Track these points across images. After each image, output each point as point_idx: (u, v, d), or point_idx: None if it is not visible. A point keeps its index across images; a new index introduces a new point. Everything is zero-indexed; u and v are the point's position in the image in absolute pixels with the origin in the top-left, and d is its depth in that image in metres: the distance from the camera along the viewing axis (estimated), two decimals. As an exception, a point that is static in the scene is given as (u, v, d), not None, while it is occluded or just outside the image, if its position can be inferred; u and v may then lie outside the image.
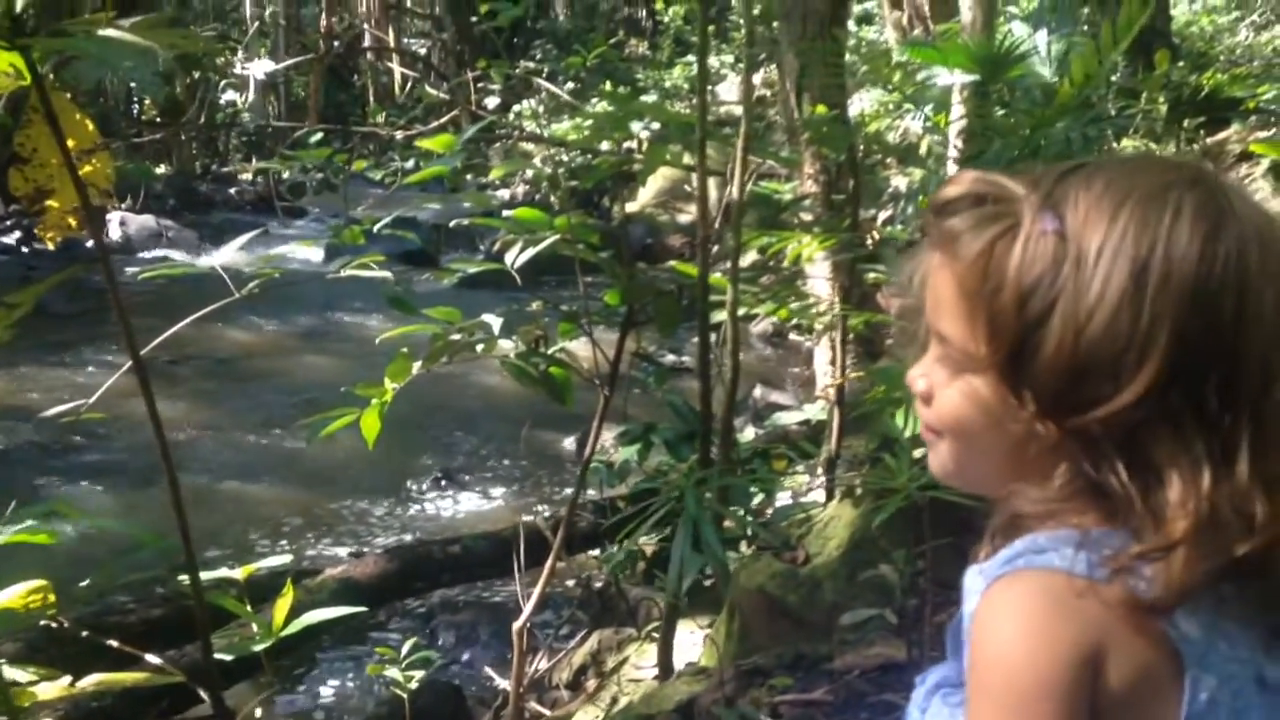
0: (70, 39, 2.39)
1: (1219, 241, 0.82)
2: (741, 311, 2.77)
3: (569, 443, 6.36)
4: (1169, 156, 0.97)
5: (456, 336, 2.92)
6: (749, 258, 4.02)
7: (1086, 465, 0.82)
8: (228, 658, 2.63)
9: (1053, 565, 0.82)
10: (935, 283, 0.89)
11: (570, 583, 4.44)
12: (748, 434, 4.77)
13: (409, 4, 22.56)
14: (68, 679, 2.40)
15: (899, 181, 6.77)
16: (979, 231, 0.86)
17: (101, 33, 2.38)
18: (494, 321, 2.98)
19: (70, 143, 2.45)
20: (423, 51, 21.43)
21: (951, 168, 3.73)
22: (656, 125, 3.39)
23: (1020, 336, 0.83)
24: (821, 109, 3.69)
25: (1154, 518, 0.80)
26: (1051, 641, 0.81)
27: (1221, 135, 8.03)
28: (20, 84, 2.41)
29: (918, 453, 2.12)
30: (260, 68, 14.76)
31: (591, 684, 3.33)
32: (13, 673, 2.38)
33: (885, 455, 2.24)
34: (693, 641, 3.09)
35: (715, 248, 3.14)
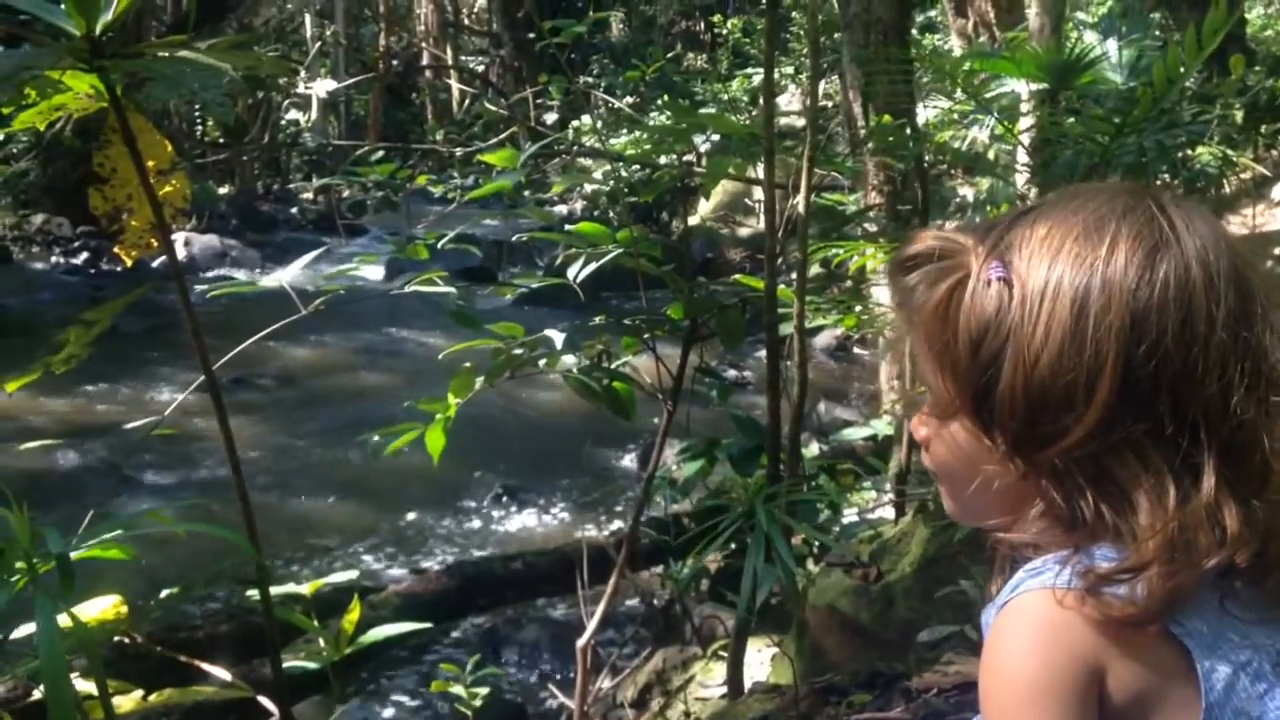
0: (147, 61, 2.42)
1: (1157, 266, 0.84)
2: (808, 323, 2.73)
3: (629, 459, 6.34)
4: (1113, 185, 0.96)
5: (519, 351, 2.91)
6: (813, 270, 3.97)
7: (1057, 497, 0.86)
8: (296, 673, 2.64)
9: (1048, 585, 0.85)
10: (911, 337, 0.94)
11: (634, 601, 4.40)
12: (812, 450, 4.71)
13: (466, 22, 22.82)
14: (139, 693, 2.42)
15: (966, 192, 6.68)
16: (934, 286, 0.90)
17: (178, 54, 2.42)
18: (556, 336, 2.96)
19: (149, 163, 2.48)
20: (480, 69, 21.64)
21: (1020, 178, 3.66)
22: (716, 138, 3.37)
23: (978, 381, 0.87)
24: (887, 119, 3.64)
25: (1129, 537, 0.83)
26: (1048, 655, 0.83)
27: (1300, 141, 7.80)
28: (100, 105, 2.45)
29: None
30: (323, 87, 15.01)
31: (656, 703, 3.29)
32: (84, 685, 2.41)
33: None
34: (759, 660, 3.04)
35: (780, 259, 3.11)
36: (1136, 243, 0.85)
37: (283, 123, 17.34)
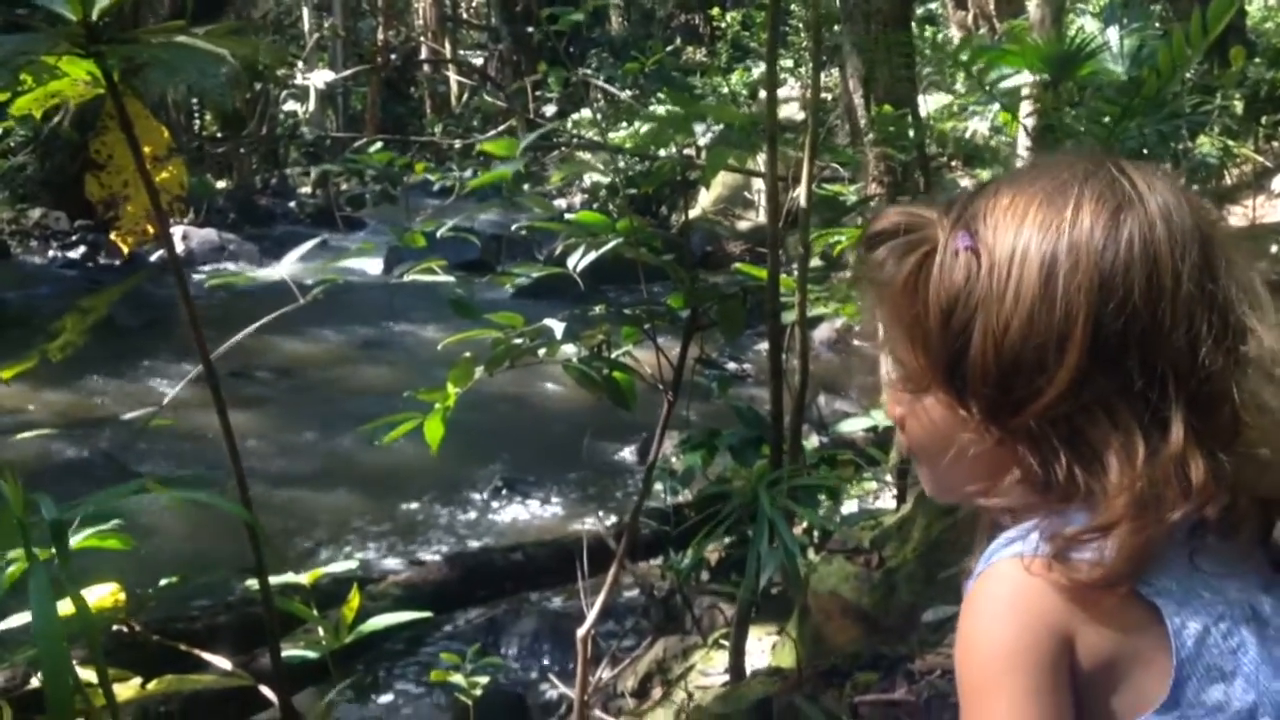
0: (144, 46, 2.41)
1: (1121, 226, 0.85)
2: (809, 312, 2.72)
3: (629, 452, 6.33)
4: (1072, 152, 0.97)
5: (519, 341, 2.90)
6: (814, 261, 3.96)
7: (1033, 461, 0.86)
8: (296, 662, 2.63)
9: (1016, 552, 0.86)
10: (879, 314, 0.94)
11: (634, 591, 4.40)
12: (812, 442, 4.70)
13: (465, 16, 22.79)
14: (138, 680, 2.41)
15: (966, 183, 6.67)
16: (902, 260, 0.90)
17: (176, 40, 2.40)
18: (556, 326, 2.95)
19: (146, 150, 2.47)
20: (479, 62, 21.61)
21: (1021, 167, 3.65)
22: (716, 130, 3.35)
23: (950, 351, 0.88)
24: (888, 109, 3.63)
25: (1100, 497, 0.84)
26: (1016, 621, 0.84)
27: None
28: (97, 92, 2.44)
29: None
30: (320, 78, 14.98)
31: (657, 692, 3.29)
32: (83, 673, 2.40)
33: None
34: (760, 649, 3.03)
35: (781, 251, 3.09)
36: (1100, 204, 0.87)
37: (280, 115, 17.31)
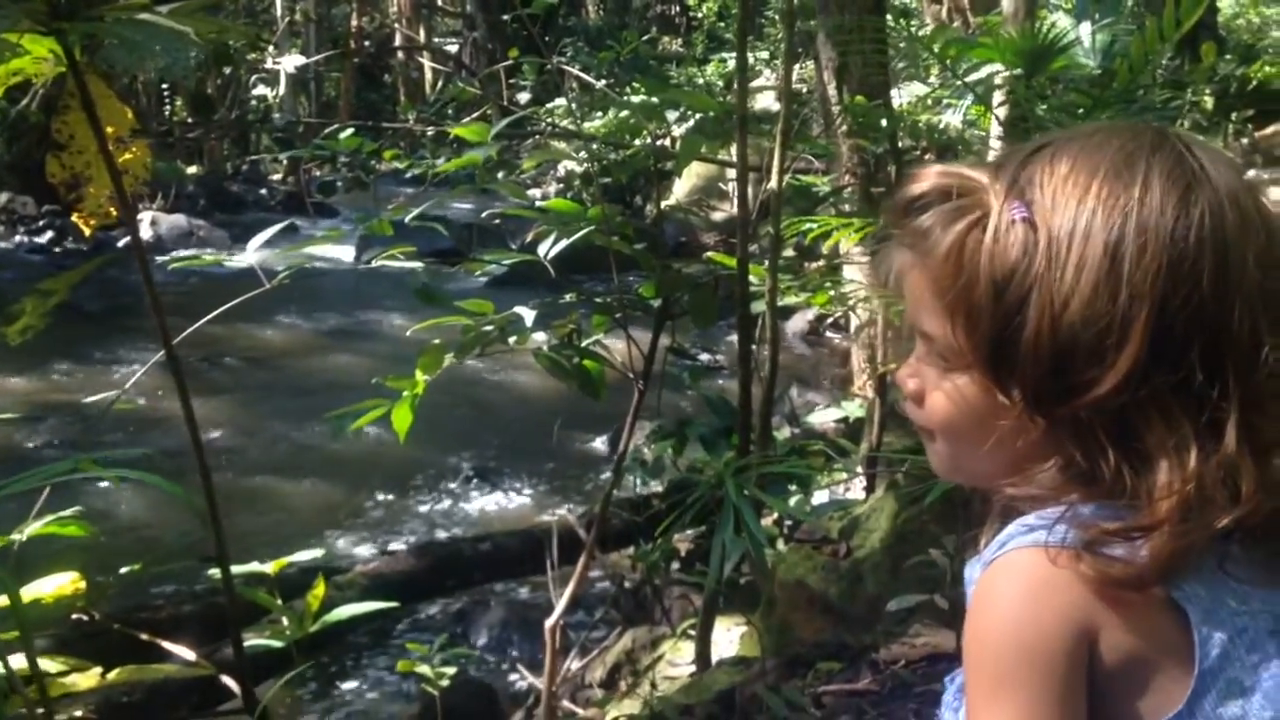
0: (106, 23, 2.36)
1: (1192, 207, 0.79)
2: (780, 301, 2.70)
3: (601, 442, 6.31)
4: (1132, 123, 0.92)
5: (488, 328, 2.87)
6: (787, 252, 3.95)
7: (1077, 453, 0.81)
8: (259, 651, 2.59)
9: (1040, 542, 0.81)
10: (911, 282, 0.87)
11: (606, 583, 4.38)
12: (784, 434, 4.70)
13: (440, 3, 22.63)
14: (98, 670, 2.38)
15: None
16: (948, 226, 0.83)
17: (138, 17, 2.35)
18: (526, 314, 2.92)
19: (109, 129, 2.42)
20: (454, 50, 21.47)
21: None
22: (691, 122, 3.33)
23: (999, 329, 0.81)
24: (861, 99, 3.63)
25: (1144, 496, 0.79)
26: (1037, 614, 0.79)
27: (1271, 129, 7.88)
28: (60, 70, 2.38)
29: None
30: (290, 62, 14.83)
31: (625, 683, 3.28)
32: (43, 664, 2.36)
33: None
34: (729, 640, 3.03)
35: (753, 244, 3.08)
36: (1170, 182, 0.80)
37: (251, 100, 17.13)
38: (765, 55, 14.41)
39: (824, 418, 4.48)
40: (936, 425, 0.90)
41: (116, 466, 2.22)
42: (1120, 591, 0.79)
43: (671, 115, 3.43)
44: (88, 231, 2.58)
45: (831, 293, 3.13)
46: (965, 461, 0.90)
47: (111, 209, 2.54)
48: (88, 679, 2.34)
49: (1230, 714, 0.80)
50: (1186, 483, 0.78)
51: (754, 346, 3.09)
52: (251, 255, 2.75)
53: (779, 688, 2.08)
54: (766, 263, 2.87)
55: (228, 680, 2.53)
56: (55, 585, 2.42)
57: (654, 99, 3.13)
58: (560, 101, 9.68)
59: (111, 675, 2.41)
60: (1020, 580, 0.81)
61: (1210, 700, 0.80)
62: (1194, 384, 0.79)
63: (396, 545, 5.02)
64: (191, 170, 15.80)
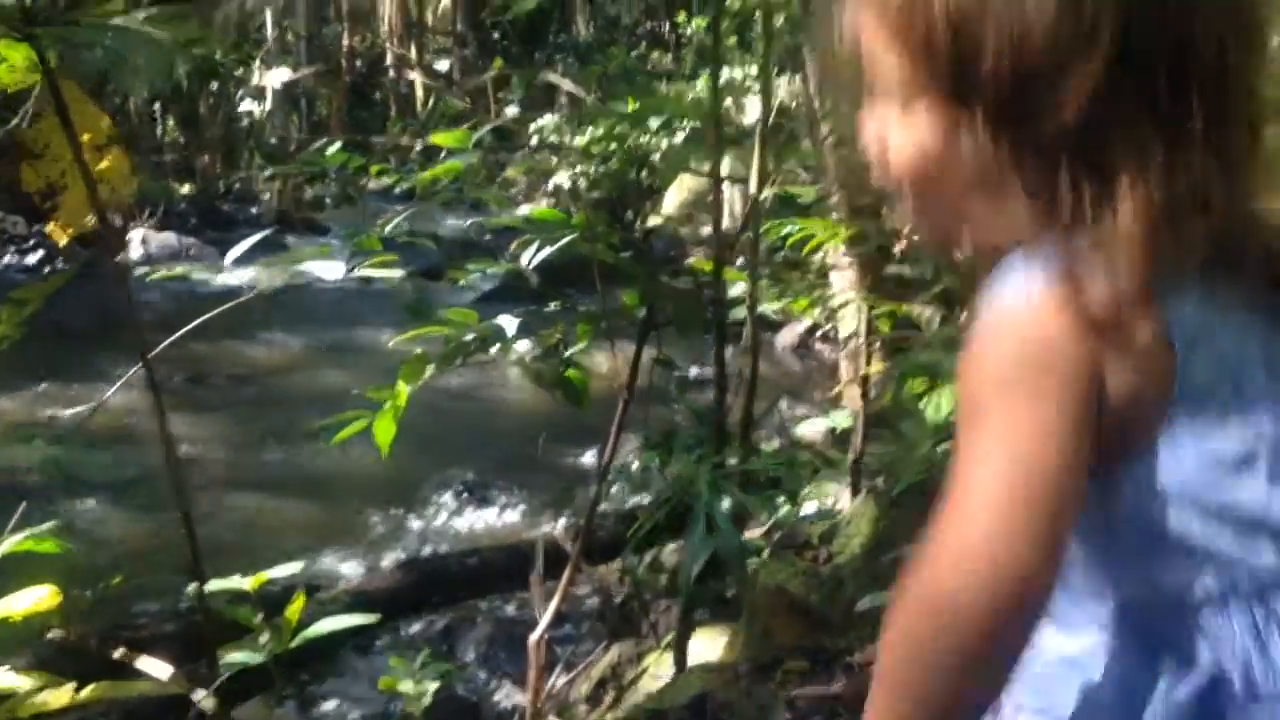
0: (82, 29, 2.35)
1: None
2: (763, 308, 2.69)
3: (588, 457, 6.27)
4: None
5: (470, 337, 2.85)
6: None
7: (1041, 177, 0.80)
8: (237, 668, 2.56)
9: (1033, 273, 0.79)
10: (865, 32, 0.85)
11: (594, 599, 4.34)
12: (773, 445, 4.67)
13: (430, 21, 22.70)
14: (71, 686, 2.33)
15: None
16: None
17: (113, 23, 2.34)
18: (510, 324, 2.91)
19: (85, 137, 2.39)
20: (444, 68, 21.53)
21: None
22: (679, 140, 3.33)
23: (959, 43, 0.80)
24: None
25: (1111, 217, 0.78)
26: (1042, 331, 0.78)
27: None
28: (36, 78, 2.36)
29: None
30: (277, 76, 14.85)
31: (609, 698, 3.24)
32: (15, 680, 2.32)
33: (903, 426, 2.15)
34: (713, 650, 2.99)
35: (740, 257, 3.06)
36: None
37: (239, 116, 17.13)
38: (754, 70, 14.44)
39: (812, 428, 4.45)
40: (903, 170, 0.87)
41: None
42: (1116, 323, 0.78)
43: (659, 127, 3.42)
44: (63, 241, 2.56)
45: (814, 297, 3.11)
46: (933, 210, 0.88)
47: (88, 219, 2.52)
48: (60, 696, 2.30)
49: (1213, 443, 0.80)
50: (1155, 191, 0.77)
51: (731, 348, 3.07)
52: (231, 265, 2.73)
53: (751, 692, 2.05)
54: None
55: (203, 699, 2.49)
56: (29, 601, 2.38)
57: (639, 106, 3.12)
58: (549, 118, 9.71)
59: (84, 693, 2.36)
60: (1018, 309, 0.79)
61: (1189, 424, 0.80)
62: (1160, 103, 0.78)
63: (382, 561, 4.98)
64: (185, 189, 15.78)
